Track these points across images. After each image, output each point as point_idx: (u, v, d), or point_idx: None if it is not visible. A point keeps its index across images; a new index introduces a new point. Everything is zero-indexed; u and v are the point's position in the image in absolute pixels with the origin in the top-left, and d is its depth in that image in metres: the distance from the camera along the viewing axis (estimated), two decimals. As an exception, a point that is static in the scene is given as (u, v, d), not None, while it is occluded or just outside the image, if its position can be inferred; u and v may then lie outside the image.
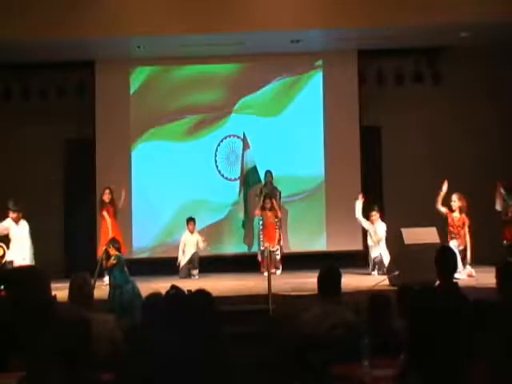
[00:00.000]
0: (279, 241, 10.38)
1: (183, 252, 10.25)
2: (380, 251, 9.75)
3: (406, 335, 2.85)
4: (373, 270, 9.83)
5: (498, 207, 9.08)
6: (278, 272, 10.05)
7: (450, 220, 8.97)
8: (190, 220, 10.36)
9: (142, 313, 3.67)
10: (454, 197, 8.96)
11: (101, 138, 11.09)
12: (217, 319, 3.15)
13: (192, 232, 10.30)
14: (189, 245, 10.25)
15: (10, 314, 3.60)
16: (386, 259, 9.46)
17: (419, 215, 9.42)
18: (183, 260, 10.21)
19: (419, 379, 2.60)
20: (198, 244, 10.22)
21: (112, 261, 7.19)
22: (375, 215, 9.92)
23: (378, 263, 9.73)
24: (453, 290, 4.48)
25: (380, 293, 4.51)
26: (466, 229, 8.96)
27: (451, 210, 8.99)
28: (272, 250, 10.02)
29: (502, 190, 9.04)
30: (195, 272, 10.16)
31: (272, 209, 10.26)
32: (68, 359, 2.89)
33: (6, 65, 10.83)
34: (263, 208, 10.25)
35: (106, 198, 9.68)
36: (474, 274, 8.63)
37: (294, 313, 5.11)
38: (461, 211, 8.97)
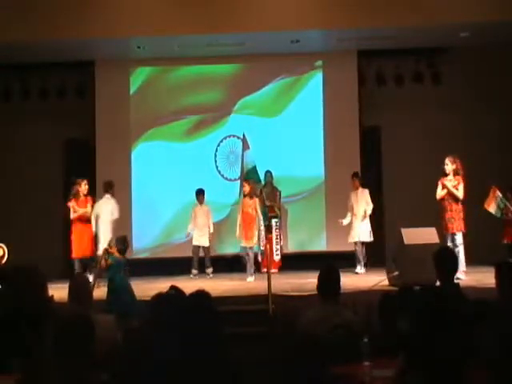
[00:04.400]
0: (279, 241, 10.37)
1: (194, 223, 10.22)
2: (361, 236, 9.88)
3: (407, 335, 2.86)
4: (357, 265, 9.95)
5: (492, 210, 9.01)
6: (250, 279, 9.37)
7: (446, 198, 8.56)
8: (200, 192, 10.28)
9: (149, 313, 3.65)
10: (447, 160, 8.64)
11: (101, 138, 11.10)
12: (216, 320, 3.15)
13: (201, 203, 10.29)
14: (199, 215, 10.23)
15: (9, 313, 3.59)
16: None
17: (419, 215, 9.42)
18: (194, 231, 10.21)
19: (419, 379, 2.60)
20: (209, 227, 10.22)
21: (108, 262, 7.09)
22: (355, 182, 9.98)
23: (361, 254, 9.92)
24: (453, 291, 4.49)
25: (389, 293, 4.49)
26: (461, 208, 8.55)
27: (445, 175, 8.62)
28: (251, 248, 9.60)
29: (499, 193, 9.01)
30: (209, 271, 10.19)
31: (252, 196, 9.71)
32: (68, 359, 2.89)
33: (6, 65, 10.84)
34: (244, 195, 9.75)
35: (85, 190, 9.40)
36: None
37: (293, 313, 5.11)
38: (456, 174, 8.60)
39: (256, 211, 9.65)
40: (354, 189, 10.00)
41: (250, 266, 9.54)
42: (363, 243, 9.98)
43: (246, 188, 9.73)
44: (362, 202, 9.92)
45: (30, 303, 3.47)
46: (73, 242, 9.44)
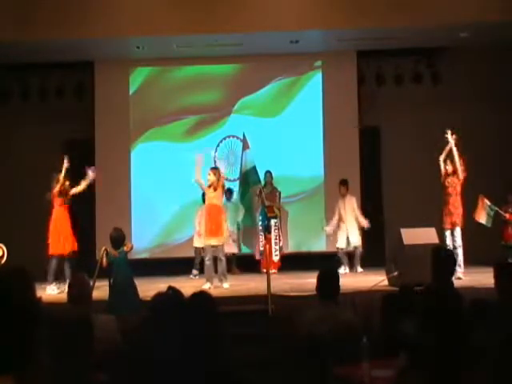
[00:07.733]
0: (278, 241, 10.36)
1: (199, 223, 10.00)
2: (351, 238, 10.04)
3: (409, 335, 2.86)
4: (344, 265, 10.07)
5: (483, 220, 9.03)
6: (226, 285, 8.60)
7: (446, 177, 8.72)
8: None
9: (149, 313, 3.65)
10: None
11: (100, 138, 11.10)
12: (217, 320, 3.15)
13: None
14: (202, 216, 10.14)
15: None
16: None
17: (418, 215, 9.42)
18: (195, 233, 10.12)
19: (419, 379, 2.61)
20: None
21: (108, 261, 7.02)
22: (342, 189, 10.16)
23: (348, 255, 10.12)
24: (452, 291, 4.49)
25: (391, 293, 4.49)
26: (460, 203, 8.66)
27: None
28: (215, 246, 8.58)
29: (487, 201, 9.04)
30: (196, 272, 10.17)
31: (216, 188, 8.55)
32: (66, 360, 2.88)
33: (5, 65, 10.84)
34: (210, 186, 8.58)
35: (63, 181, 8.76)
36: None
37: (293, 313, 5.11)
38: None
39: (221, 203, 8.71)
40: (342, 196, 10.21)
41: (223, 269, 8.64)
42: (356, 247, 10.19)
43: (211, 177, 8.54)
44: (349, 209, 10.15)
45: (16, 305, 3.45)
46: (50, 234, 8.71)
